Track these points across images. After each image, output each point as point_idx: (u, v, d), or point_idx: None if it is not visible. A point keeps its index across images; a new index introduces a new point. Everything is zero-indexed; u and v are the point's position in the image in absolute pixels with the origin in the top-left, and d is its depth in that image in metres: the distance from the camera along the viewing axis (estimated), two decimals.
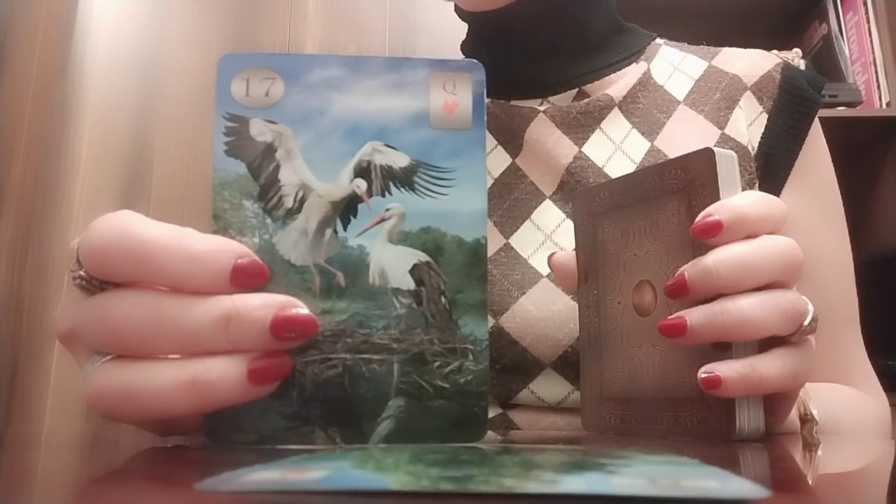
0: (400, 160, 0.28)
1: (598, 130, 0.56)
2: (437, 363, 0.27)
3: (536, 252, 0.53)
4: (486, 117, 0.29)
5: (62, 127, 1.36)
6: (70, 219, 1.33)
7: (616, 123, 0.57)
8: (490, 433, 0.43)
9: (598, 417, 0.39)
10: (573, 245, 0.41)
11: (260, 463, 0.17)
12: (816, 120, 0.58)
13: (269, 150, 0.28)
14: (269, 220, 0.27)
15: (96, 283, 0.25)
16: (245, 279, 0.25)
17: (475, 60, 0.29)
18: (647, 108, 0.57)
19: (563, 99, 0.58)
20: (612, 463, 0.17)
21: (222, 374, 0.24)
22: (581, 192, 0.41)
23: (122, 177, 1.37)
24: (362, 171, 0.28)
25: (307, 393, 0.26)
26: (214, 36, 1.43)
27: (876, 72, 1.41)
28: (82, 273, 0.26)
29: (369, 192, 0.28)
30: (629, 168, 0.54)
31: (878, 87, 1.40)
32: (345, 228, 0.28)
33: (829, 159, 0.60)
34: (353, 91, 0.28)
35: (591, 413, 0.39)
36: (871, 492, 0.20)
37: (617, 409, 0.37)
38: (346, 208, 0.28)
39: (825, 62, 1.47)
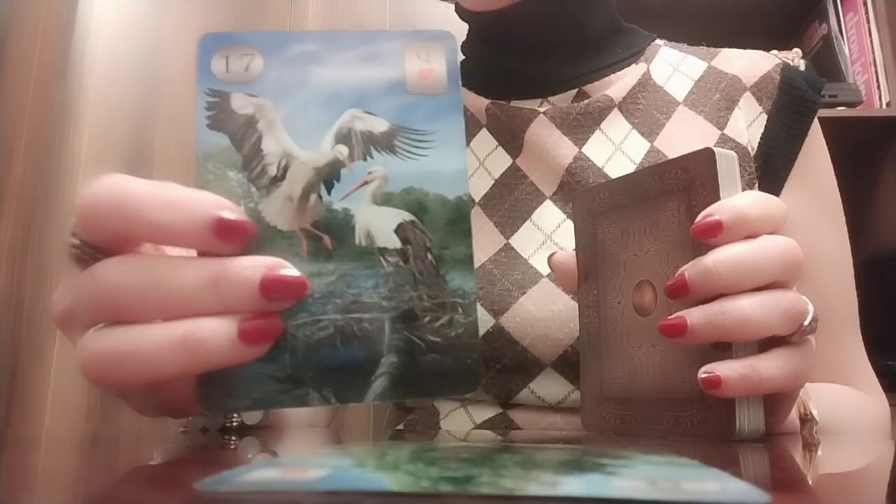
0: (379, 125, 0.29)
1: (597, 131, 0.57)
2: (427, 318, 0.27)
3: (537, 252, 0.53)
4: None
5: (62, 127, 1.36)
6: (70, 219, 1.33)
7: (616, 124, 0.57)
8: (489, 433, 0.43)
9: (598, 417, 0.39)
10: (573, 245, 0.41)
11: (260, 462, 0.17)
12: (816, 120, 0.58)
13: (251, 121, 0.28)
14: (253, 189, 0.28)
15: (90, 251, 0.26)
16: (228, 231, 0.25)
17: (446, 31, 0.30)
18: (646, 108, 0.57)
19: (563, 99, 0.59)
20: (612, 464, 0.17)
21: (213, 333, 0.24)
22: (581, 192, 0.41)
23: None
24: (343, 138, 0.28)
25: (299, 355, 0.27)
26: None
27: (876, 72, 1.41)
28: (77, 242, 0.26)
29: (351, 158, 0.28)
30: (629, 168, 0.54)
31: (878, 87, 1.40)
32: (329, 193, 0.28)
33: (829, 159, 0.60)
34: (330, 63, 0.29)
35: (591, 413, 0.39)
36: (871, 492, 0.20)
37: (617, 409, 0.37)
38: (329, 174, 0.28)
39: (825, 62, 1.47)
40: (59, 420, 1.26)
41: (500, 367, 0.50)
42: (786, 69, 0.58)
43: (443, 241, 0.28)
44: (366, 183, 0.28)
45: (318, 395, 0.27)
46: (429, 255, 0.28)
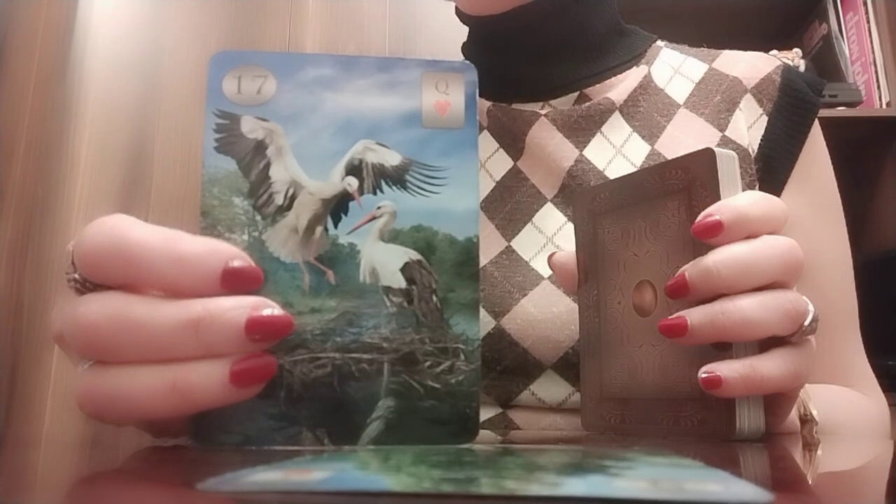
0: (392, 158, 0.28)
1: (598, 134, 0.57)
2: (427, 363, 0.27)
3: (538, 255, 0.53)
4: (478, 118, 0.28)
5: (62, 127, 1.36)
6: (70, 219, 1.33)
7: (617, 127, 0.57)
8: (489, 433, 0.43)
9: (598, 417, 0.39)
10: (574, 247, 0.41)
11: (262, 464, 0.17)
12: (816, 122, 0.58)
13: (260, 147, 0.27)
14: (258, 218, 0.27)
15: (90, 286, 0.25)
16: (236, 282, 0.24)
17: (468, 62, 0.29)
18: (647, 111, 0.57)
19: (565, 102, 0.59)
20: (614, 465, 0.17)
21: (204, 377, 0.23)
22: (581, 191, 0.41)
23: (122, 177, 1.37)
24: (354, 170, 0.28)
25: (295, 393, 0.26)
26: (214, 36, 1.43)
27: (876, 72, 1.41)
28: (76, 276, 0.25)
29: (361, 191, 0.28)
30: (630, 172, 0.54)
31: (878, 87, 1.40)
32: (335, 226, 0.27)
33: (829, 161, 0.60)
34: (345, 90, 0.28)
35: (591, 413, 0.39)
36: (871, 492, 0.20)
37: (617, 409, 0.37)
38: (337, 206, 0.28)
39: (825, 62, 1.47)
40: (59, 420, 1.25)
41: (501, 368, 0.50)
42: (786, 71, 0.58)
43: (449, 283, 0.27)
44: (374, 218, 0.27)
45: (311, 435, 0.26)
46: (434, 298, 0.27)
